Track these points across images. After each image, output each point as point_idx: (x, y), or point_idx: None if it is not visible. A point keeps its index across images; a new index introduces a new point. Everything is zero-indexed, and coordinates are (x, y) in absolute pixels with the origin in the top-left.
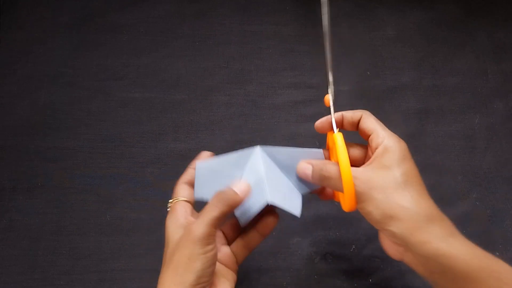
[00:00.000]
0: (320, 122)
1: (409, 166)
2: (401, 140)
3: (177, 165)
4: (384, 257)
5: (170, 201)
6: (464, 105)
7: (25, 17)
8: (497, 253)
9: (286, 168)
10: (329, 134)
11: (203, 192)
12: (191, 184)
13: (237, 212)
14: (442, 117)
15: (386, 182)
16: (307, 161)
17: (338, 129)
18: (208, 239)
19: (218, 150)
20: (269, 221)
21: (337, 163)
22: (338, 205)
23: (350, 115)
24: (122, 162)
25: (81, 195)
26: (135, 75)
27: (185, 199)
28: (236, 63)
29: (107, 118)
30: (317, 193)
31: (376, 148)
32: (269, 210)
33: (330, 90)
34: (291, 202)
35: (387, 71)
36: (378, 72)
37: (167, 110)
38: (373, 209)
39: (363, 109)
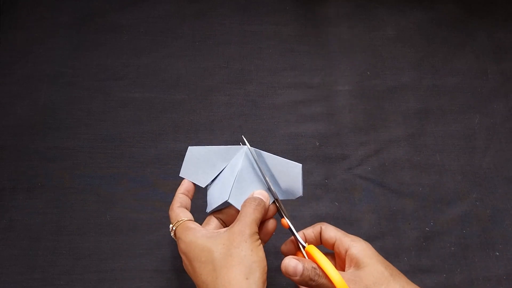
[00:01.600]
0: (284, 245)
1: (384, 260)
2: (363, 240)
3: (177, 165)
4: (384, 257)
5: (171, 225)
6: (464, 105)
7: (25, 17)
8: (497, 253)
9: (267, 172)
10: (298, 254)
11: (187, 173)
12: (186, 207)
13: (208, 198)
14: (442, 117)
15: (376, 277)
16: (296, 257)
17: (306, 243)
18: (257, 235)
19: None
20: (269, 228)
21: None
22: (338, 205)
23: (310, 230)
24: (122, 162)
25: (81, 195)
26: (135, 75)
27: (190, 219)
28: (236, 63)
29: (107, 118)
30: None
31: (346, 252)
32: (268, 216)
33: (286, 216)
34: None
35: (387, 71)
36: (378, 72)
37: (167, 110)
38: None
39: (363, 108)
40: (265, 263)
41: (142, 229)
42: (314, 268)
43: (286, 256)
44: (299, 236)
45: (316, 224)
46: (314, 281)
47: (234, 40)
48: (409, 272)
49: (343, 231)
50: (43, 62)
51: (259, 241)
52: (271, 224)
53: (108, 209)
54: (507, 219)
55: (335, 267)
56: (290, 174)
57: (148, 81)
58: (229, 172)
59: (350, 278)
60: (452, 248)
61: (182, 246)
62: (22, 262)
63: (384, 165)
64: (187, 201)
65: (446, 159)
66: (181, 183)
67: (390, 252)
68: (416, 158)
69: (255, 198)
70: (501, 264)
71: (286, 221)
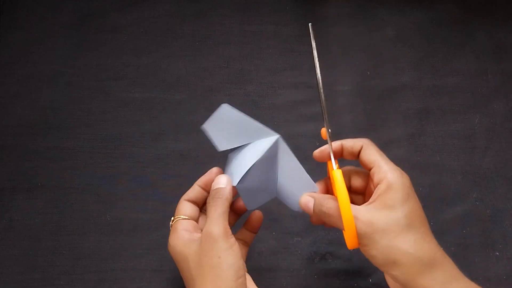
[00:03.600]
0: (319, 152)
1: (413, 206)
2: (404, 174)
3: (177, 165)
4: None
5: (172, 218)
6: (464, 105)
7: (25, 17)
8: (497, 253)
9: (279, 168)
10: (329, 163)
11: (211, 129)
12: (194, 202)
13: (229, 167)
14: (442, 117)
15: (388, 225)
16: (309, 194)
17: (337, 164)
18: (227, 233)
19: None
20: (254, 217)
21: (337, 199)
22: None
23: (350, 144)
24: (122, 162)
25: (81, 195)
26: (135, 75)
27: (186, 217)
28: (236, 63)
29: (107, 118)
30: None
31: (378, 183)
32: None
33: (326, 124)
34: (255, 197)
35: (387, 71)
36: (378, 72)
37: (167, 110)
38: (376, 253)
39: (363, 108)
40: (238, 264)
41: (142, 229)
42: (327, 208)
43: (316, 158)
44: (332, 157)
45: (358, 140)
46: (326, 219)
47: (234, 40)
48: None
49: (385, 157)
50: (43, 62)
51: (231, 240)
52: (256, 216)
53: (108, 209)
54: (507, 219)
55: (367, 190)
56: (300, 187)
57: (148, 81)
58: (250, 154)
59: (360, 216)
60: (452, 248)
61: (168, 247)
62: (22, 262)
63: None
64: (201, 195)
65: (446, 159)
66: (204, 175)
67: None
68: (416, 158)
69: (212, 192)
70: (501, 264)
71: (325, 132)
